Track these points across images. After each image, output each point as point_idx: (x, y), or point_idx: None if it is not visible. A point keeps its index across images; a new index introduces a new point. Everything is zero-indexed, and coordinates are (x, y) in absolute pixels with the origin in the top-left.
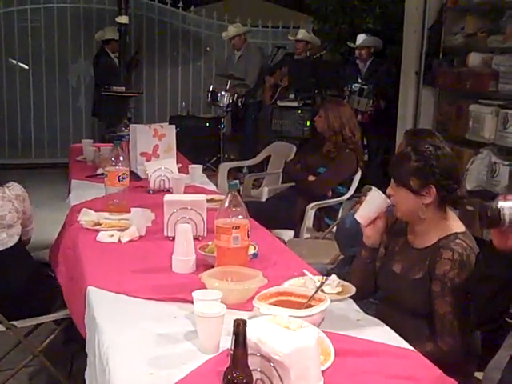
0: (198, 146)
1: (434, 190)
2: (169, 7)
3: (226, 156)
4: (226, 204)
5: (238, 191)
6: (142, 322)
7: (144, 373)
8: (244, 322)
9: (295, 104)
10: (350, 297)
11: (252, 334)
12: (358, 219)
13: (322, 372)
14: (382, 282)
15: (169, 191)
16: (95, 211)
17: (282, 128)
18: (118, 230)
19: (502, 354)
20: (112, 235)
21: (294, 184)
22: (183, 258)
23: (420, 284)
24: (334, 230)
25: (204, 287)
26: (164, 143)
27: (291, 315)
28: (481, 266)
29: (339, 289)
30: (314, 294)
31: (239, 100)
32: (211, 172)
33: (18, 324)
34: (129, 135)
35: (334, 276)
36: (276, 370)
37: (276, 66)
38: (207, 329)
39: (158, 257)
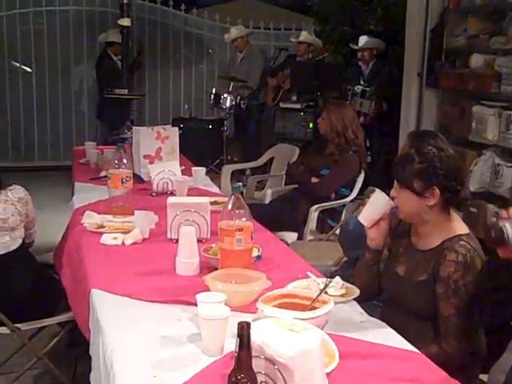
0: (200, 148)
1: (438, 191)
2: (171, 9)
3: (229, 158)
4: (230, 206)
5: (242, 193)
6: (145, 325)
7: (148, 375)
8: (248, 325)
9: (298, 106)
10: (354, 299)
11: (256, 337)
12: (361, 221)
13: (327, 374)
14: (385, 284)
15: (172, 194)
16: (99, 214)
17: (284, 130)
18: (122, 233)
19: (507, 356)
20: (115, 238)
21: (297, 186)
22: (187, 260)
23: (424, 286)
24: (338, 231)
25: (208, 289)
26: (167, 146)
27: (295, 317)
28: (487, 277)
29: (343, 291)
30: (318, 296)
31: (242, 102)
32: (214, 174)
33: (22, 326)
34: (132, 138)
35: (337, 278)
36: (280, 373)
37: (278, 68)
38: (211, 331)
39: (162, 259)
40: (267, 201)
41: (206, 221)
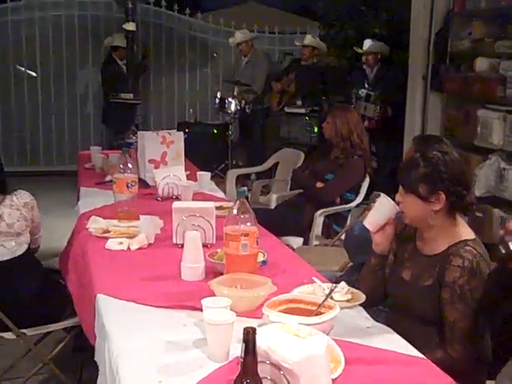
0: (206, 152)
1: (443, 196)
2: (176, 14)
3: (234, 163)
4: (235, 211)
5: (247, 198)
6: (151, 330)
7: (153, 381)
8: (254, 330)
9: (302, 110)
10: (360, 304)
11: (262, 342)
12: (366, 226)
13: (332, 380)
14: (391, 289)
15: (177, 198)
16: (104, 218)
17: (289, 135)
18: (127, 238)
19: None
20: (121, 243)
21: (302, 191)
22: (192, 265)
23: (430, 291)
24: (343, 237)
25: (213, 295)
26: (172, 150)
27: (301, 323)
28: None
29: (349, 296)
30: (324, 301)
31: (247, 106)
32: (219, 179)
33: (28, 332)
34: (137, 142)
35: (343, 283)
36: (286, 378)
37: (283, 72)
38: (217, 336)
39: (167, 264)
40: (272, 206)
41: (212, 226)
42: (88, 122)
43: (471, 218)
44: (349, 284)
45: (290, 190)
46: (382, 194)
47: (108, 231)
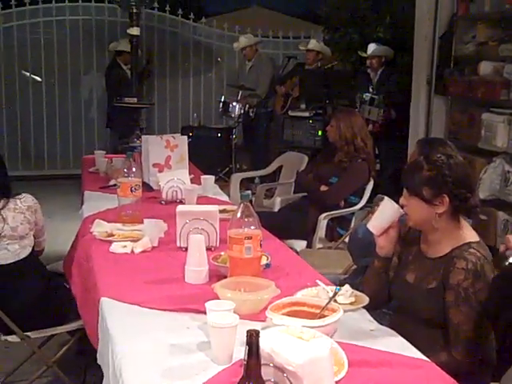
0: (209, 156)
1: (447, 199)
2: (180, 18)
3: (238, 166)
4: (239, 214)
5: (250, 201)
6: (155, 333)
7: None
8: (257, 333)
9: (306, 114)
10: (364, 307)
11: (265, 345)
12: (370, 229)
13: (336, 383)
14: (395, 291)
15: (181, 202)
16: (108, 222)
17: (293, 138)
18: (131, 241)
19: None
20: (125, 246)
21: (306, 194)
22: (196, 268)
23: (434, 294)
24: (347, 239)
25: (217, 298)
26: (176, 154)
27: (304, 325)
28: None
29: (352, 299)
30: (327, 304)
31: (251, 110)
32: (223, 182)
33: (32, 335)
34: (141, 146)
35: (347, 286)
36: (289, 381)
37: (287, 76)
38: (220, 339)
39: (171, 267)
40: (276, 209)
41: (215, 229)
42: (92, 126)
43: (475, 221)
44: (353, 287)
45: (294, 193)
46: (385, 198)
47: (112, 235)
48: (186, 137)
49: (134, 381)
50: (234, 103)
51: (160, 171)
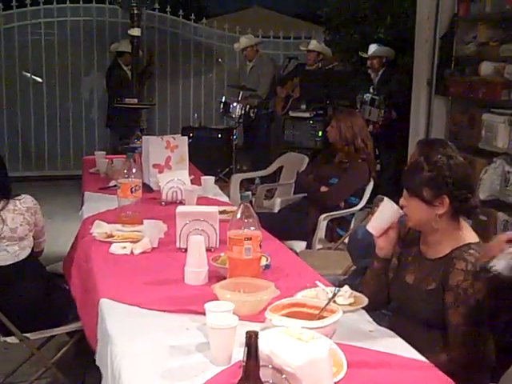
0: (210, 157)
1: (447, 200)
2: (181, 19)
3: (239, 167)
4: (239, 215)
5: (250, 202)
6: (154, 334)
7: None
8: (256, 334)
9: (307, 115)
10: (363, 308)
11: (264, 346)
12: (370, 230)
13: None
14: (394, 292)
15: (181, 203)
16: (108, 223)
17: (294, 139)
18: (131, 242)
19: None
20: (124, 247)
21: (306, 195)
22: (195, 269)
23: (433, 295)
24: (347, 240)
25: (216, 299)
26: (176, 155)
27: (303, 326)
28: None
29: (351, 300)
30: (327, 305)
31: (251, 111)
32: (223, 183)
33: (31, 336)
34: (141, 147)
35: (346, 287)
36: (288, 382)
37: (288, 77)
38: (219, 340)
39: (171, 268)
40: (276, 210)
41: (215, 230)
42: (93, 127)
43: (475, 222)
44: (352, 288)
45: (294, 193)
46: (385, 198)
47: (112, 236)
48: (186, 137)
49: (133, 382)
50: (235, 104)
51: (160, 172)
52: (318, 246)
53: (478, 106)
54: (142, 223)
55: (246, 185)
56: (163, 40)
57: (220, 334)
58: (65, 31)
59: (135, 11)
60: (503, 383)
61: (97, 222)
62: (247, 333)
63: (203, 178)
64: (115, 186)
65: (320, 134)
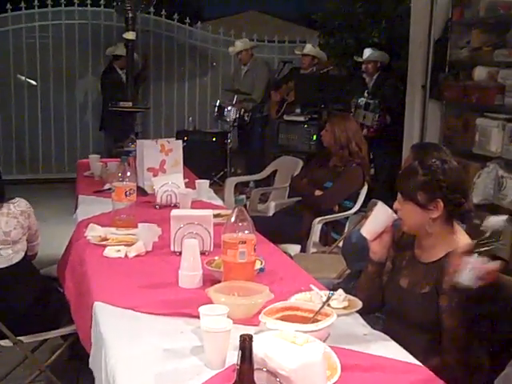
0: (204, 160)
1: (442, 204)
2: (176, 23)
3: (233, 170)
4: (233, 219)
5: (245, 206)
6: (148, 337)
7: None
8: (250, 338)
9: (301, 118)
10: (357, 311)
11: (258, 349)
12: (364, 234)
13: None
14: (388, 296)
15: (176, 206)
16: (102, 226)
17: (288, 142)
18: (125, 245)
19: (511, 369)
20: (119, 250)
21: (300, 199)
22: (190, 273)
23: (427, 298)
24: (341, 244)
25: (210, 302)
26: (171, 158)
27: (298, 330)
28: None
29: (346, 303)
30: (321, 308)
31: (246, 115)
32: (218, 186)
33: (25, 339)
34: (136, 150)
35: (340, 290)
36: None
37: (282, 81)
38: (214, 344)
39: (165, 272)
40: (270, 213)
41: (209, 233)
42: (87, 130)
43: (469, 226)
44: (346, 291)
45: (288, 197)
46: (379, 202)
47: (106, 239)
48: (180, 141)
49: None
50: (229, 107)
51: (155, 175)
52: (313, 250)
53: (472, 111)
54: (136, 227)
55: (240, 188)
56: (158, 43)
57: (214, 338)
58: (59, 34)
59: (130, 15)
60: None
61: (91, 225)
62: (241, 336)
63: (197, 181)
64: (109, 189)
65: (314, 137)
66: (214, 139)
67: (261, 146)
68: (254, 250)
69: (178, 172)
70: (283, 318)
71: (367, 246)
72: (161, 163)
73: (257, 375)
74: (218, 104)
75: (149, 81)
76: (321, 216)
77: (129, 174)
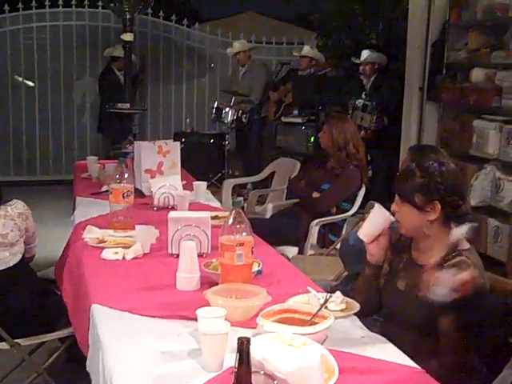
0: (202, 162)
1: (439, 206)
2: (173, 24)
3: (231, 172)
4: (230, 221)
5: (242, 208)
6: (146, 340)
7: None
8: (248, 340)
9: (299, 120)
10: (355, 314)
11: (256, 352)
12: (361, 237)
13: None
14: (386, 299)
15: (173, 208)
16: (100, 228)
17: (286, 144)
18: (123, 248)
19: (508, 371)
20: (116, 252)
21: (298, 200)
22: (187, 275)
23: (424, 301)
24: (338, 246)
25: (208, 304)
26: (168, 160)
27: (295, 333)
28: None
29: (343, 306)
30: (318, 311)
31: (243, 116)
32: (215, 188)
33: (22, 342)
34: (133, 152)
35: (338, 293)
36: None
37: (280, 82)
38: (211, 346)
39: (163, 274)
40: (268, 215)
41: (207, 235)
42: (85, 131)
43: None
44: (344, 293)
45: (286, 199)
46: (376, 205)
47: (103, 241)
48: (178, 143)
49: None
50: (227, 109)
51: (152, 177)
52: (310, 252)
53: (469, 112)
54: (133, 229)
55: (238, 190)
56: (156, 45)
57: (212, 340)
58: (57, 36)
59: (128, 16)
60: None
61: (88, 227)
62: (239, 339)
63: (195, 183)
64: (107, 191)
65: (312, 139)
66: (211, 141)
67: (258, 148)
68: (252, 252)
69: (175, 174)
70: (281, 321)
71: (364, 248)
72: (158, 165)
73: (254, 378)
74: (215, 106)
75: (146, 82)
76: (318, 218)
77: (126, 175)
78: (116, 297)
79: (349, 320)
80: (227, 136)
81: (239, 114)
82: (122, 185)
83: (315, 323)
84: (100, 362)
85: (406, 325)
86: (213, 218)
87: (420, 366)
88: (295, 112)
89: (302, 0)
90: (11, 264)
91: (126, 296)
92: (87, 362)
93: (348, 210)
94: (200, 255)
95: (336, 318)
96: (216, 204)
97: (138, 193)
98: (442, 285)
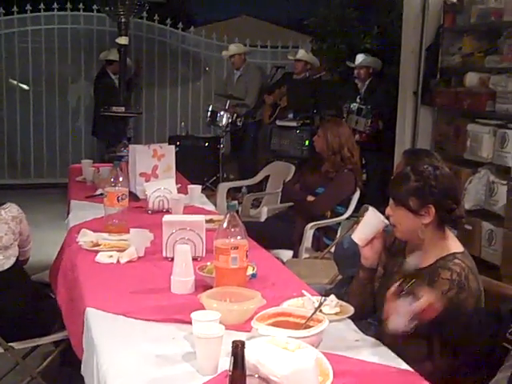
0: (197, 165)
1: (433, 209)
2: (168, 28)
3: (225, 176)
4: (225, 224)
5: (237, 211)
6: (140, 343)
7: None
8: (242, 344)
9: (294, 124)
10: (349, 317)
11: (250, 355)
12: (355, 240)
13: None
14: (380, 302)
15: (168, 212)
16: (94, 232)
17: (280, 148)
18: (117, 251)
19: (502, 375)
20: (111, 256)
21: (292, 204)
22: (182, 278)
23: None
24: (333, 250)
25: (203, 308)
26: (163, 163)
27: (290, 336)
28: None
29: (338, 309)
30: (313, 314)
31: (238, 120)
32: (210, 192)
33: (16, 345)
34: (128, 156)
35: (332, 296)
36: None
37: (275, 86)
38: (206, 350)
39: (157, 278)
40: (263, 219)
41: (202, 239)
42: (79, 135)
43: (461, 231)
44: (338, 297)
45: (281, 203)
46: (370, 208)
47: (98, 244)
48: (173, 146)
49: None
50: (222, 112)
51: (147, 181)
52: (305, 255)
53: (464, 117)
54: (128, 232)
55: (232, 194)
56: (151, 48)
57: (206, 344)
58: (52, 39)
59: (123, 19)
60: None
61: (83, 230)
62: (234, 342)
63: (190, 186)
64: (102, 194)
65: (307, 143)
66: (206, 144)
67: (253, 151)
68: (247, 255)
69: (170, 177)
70: (275, 324)
71: (359, 251)
72: (153, 168)
73: (249, 381)
74: (210, 109)
75: (141, 86)
76: (313, 221)
77: (121, 179)
78: (110, 300)
79: (343, 323)
80: (222, 139)
81: (234, 118)
82: (116, 188)
83: (310, 326)
84: (94, 365)
85: None
86: (207, 221)
87: (414, 368)
88: (290, 115)
89: (297, 4)
90: (5, 267)
91: (120, 299)
92: (82, 366)
93: (342, 214)
94: (195, 258)
95: (330, 321)
96: (211, 207)
97: (133, 196)
98: (399, 315)
